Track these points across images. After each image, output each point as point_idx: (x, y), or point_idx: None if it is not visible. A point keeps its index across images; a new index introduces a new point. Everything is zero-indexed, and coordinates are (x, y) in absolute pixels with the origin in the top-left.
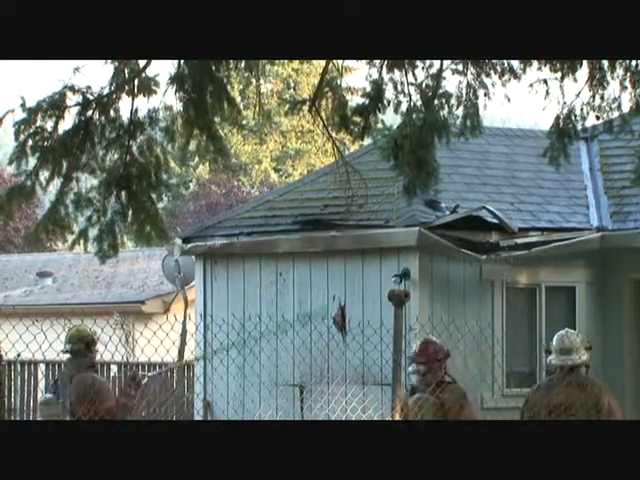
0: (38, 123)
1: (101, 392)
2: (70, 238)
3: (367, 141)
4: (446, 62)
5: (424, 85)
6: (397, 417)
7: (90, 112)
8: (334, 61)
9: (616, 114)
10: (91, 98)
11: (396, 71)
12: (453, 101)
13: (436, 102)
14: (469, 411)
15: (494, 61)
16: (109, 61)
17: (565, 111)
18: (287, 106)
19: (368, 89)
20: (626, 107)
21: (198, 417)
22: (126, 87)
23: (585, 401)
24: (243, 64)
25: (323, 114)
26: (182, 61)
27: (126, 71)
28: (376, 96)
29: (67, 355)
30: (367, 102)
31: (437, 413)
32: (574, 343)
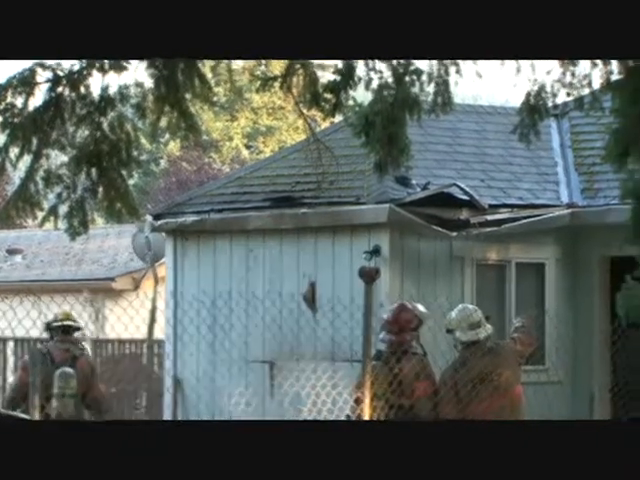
0: (8, 100)
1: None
2: (40, 215)
3: (338, 118)
4: None
5: (395, 62)
6: (362, 393)
7: (60, 89)
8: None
9: (587, 91)
10: (61, 74)
11: None
12: (424, 78)
13: (407, 79)
14: (424, 384)
15: None
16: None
17: (536, 88)
18: (258, 83)
19: (339, 66)
20: (597, 84)
21: (168, 394)
22: (96, 63)
23: (507, 366)
24: None
25: (294, 91)
26: None
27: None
28: (347, 73)
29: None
30: (338, 79)
31: (392, 383)
32: (477, 316)
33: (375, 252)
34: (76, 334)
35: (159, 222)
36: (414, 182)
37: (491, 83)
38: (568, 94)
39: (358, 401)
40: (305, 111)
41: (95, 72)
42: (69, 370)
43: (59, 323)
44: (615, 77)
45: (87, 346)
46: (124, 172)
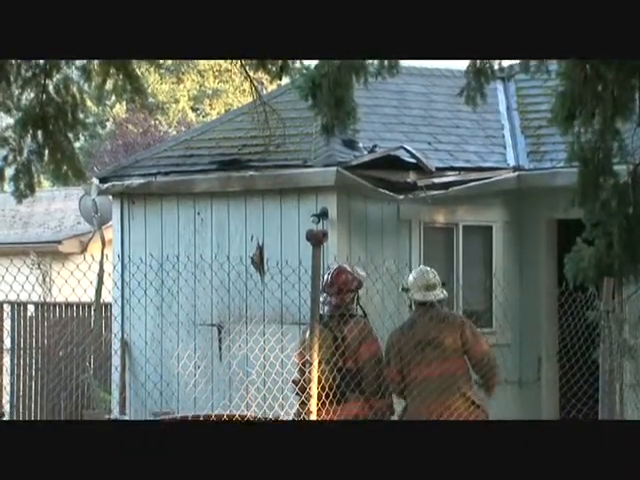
0: None
1: None
2: None
3: (285, 80)
4: None
5: None
6: (310, 356)
7: None
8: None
9: None
10: None
11: None
12: None
13: None
14: (369, 347)
15: None
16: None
17: None
18: None
19: None
20: None
21: (116, 357)
22: None
23: (450, 333)
24: None
25: None
26: None
27: None
28: None
29: None
30: None
31: (338, 347)
32: (435, 279)
33: (322, 215)
34: None
35: (106, 185)
36: (361, 145)
37: None
38: None
39: (305, 365)
40: (251, 73)
41: None
42: None
43: None
44: None
45: None
46: (70, 135)
